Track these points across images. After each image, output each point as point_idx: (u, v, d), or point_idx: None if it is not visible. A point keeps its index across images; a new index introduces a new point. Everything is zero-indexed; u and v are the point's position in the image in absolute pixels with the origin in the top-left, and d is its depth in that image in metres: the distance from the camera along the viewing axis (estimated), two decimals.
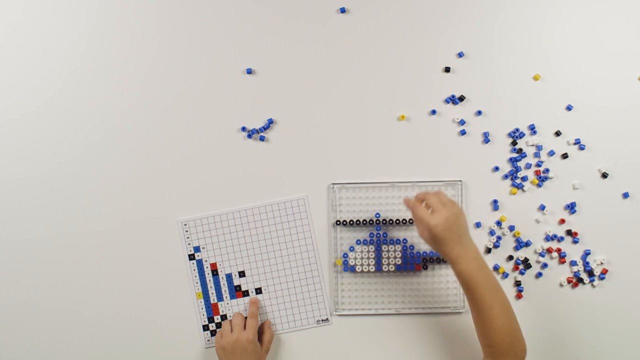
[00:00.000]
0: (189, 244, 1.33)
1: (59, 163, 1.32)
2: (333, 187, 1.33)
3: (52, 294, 1.33)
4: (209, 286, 1.33)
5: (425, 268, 1.33)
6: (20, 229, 1.32)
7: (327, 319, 1.34)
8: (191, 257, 1.33)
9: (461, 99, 1.32)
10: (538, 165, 1.33)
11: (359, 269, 1.33)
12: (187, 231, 1.33)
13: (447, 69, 1.32)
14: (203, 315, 1.33)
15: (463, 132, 1.32)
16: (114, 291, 1.33)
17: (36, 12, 1.31)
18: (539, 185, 1.33)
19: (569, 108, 1.33)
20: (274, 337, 1.32)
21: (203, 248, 1.33)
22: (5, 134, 1.32)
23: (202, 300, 1.33)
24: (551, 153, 1.33)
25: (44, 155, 1.32)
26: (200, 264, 1.33)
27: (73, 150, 1.32)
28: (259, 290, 1.33)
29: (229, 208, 1.32)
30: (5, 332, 1.33)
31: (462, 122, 1.32)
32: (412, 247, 1.33)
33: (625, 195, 1.33)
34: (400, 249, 1.33)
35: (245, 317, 1.31)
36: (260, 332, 1.32)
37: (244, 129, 1.32)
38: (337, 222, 1.33)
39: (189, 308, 1.33)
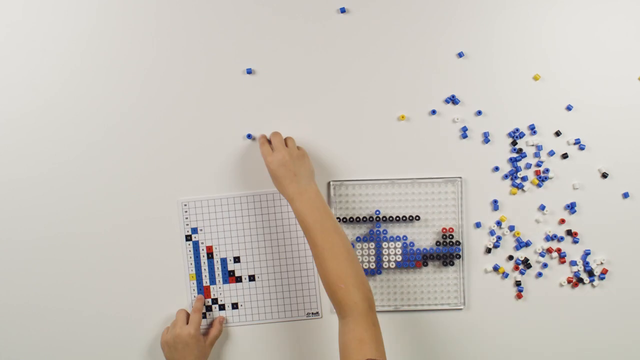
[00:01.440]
0: (187, 224, 1.33)
1: (59, 163, 1.32)
2: (332, 185, 1.33)
3: (52, 294, 1.33)
4: (202, 269, 1.33)
5: (426, 265, 1.33)
6: (20, 229, 1.32)
7: (317, 312, 1.34)
8: (188, 237, 1.33)
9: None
10: (538, 165, 1.33)
11: None
12: (186, 212, 1.32)
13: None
14: (194, 297, 1.33)
15: (464, 133, 1.32)
16: (114, 291, 1.33)
17: (36, 12, 1.31)
18: (539, 185, 1.33)
19: (569, 108, 1.33)
20: (222, 333, 1.33)
21: (200, 230, 1.33)
22: (5, 134, 1.32)
23: (195, 282, 1.33)
24: (551, 153, 1.33)
25: (44, 155, 1.32)
26: (196, 245, 1.33)
27: (73, 150, 1.32)
28: (252, 278, 1.34)
29: (229, 192, 1.33)
30: (5, 332, 1.33)
31: (463, 129, 1.33)
32: (412, 244, 1.33)
33: (625, 195, 1.33)
34: (400, 245, 1.33)
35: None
36: (211, 326, 1.33)
37: (249, 136, 1.32)
38: (337, 219, 1.32)
39: (182, 294, 1.33)
